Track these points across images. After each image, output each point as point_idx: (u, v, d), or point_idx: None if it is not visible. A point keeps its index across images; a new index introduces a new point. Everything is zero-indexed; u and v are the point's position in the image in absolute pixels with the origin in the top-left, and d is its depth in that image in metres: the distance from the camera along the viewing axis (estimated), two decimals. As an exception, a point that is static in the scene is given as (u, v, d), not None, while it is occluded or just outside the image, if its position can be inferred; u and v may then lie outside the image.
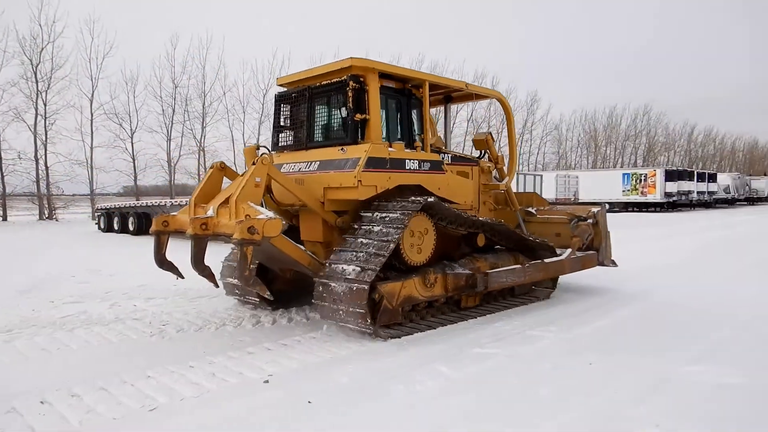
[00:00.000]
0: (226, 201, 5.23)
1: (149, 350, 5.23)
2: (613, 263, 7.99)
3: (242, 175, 5.62)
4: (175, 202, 18.25)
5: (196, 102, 38.83)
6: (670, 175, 38.19)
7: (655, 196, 36.54)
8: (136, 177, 37.83)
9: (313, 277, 5.63)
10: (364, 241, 5.48)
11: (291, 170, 6.37)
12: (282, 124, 6.74)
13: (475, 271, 6.18)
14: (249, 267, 4.66)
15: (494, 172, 7.84)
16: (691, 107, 79.81)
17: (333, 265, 5.46)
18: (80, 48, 36.24)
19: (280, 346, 5.24)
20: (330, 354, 5.00)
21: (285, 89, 6.85)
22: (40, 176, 31.72)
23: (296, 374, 4.48)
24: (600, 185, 37.66)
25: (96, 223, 21.59)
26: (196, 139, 39.05)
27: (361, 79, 5.98)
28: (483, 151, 7.83)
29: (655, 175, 37.87)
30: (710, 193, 41.46)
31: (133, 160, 37.35)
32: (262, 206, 5.44)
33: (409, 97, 6.65)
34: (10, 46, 30.64)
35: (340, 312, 5.28)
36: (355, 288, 5.11)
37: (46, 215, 32.07)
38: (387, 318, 5.42)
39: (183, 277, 5.88)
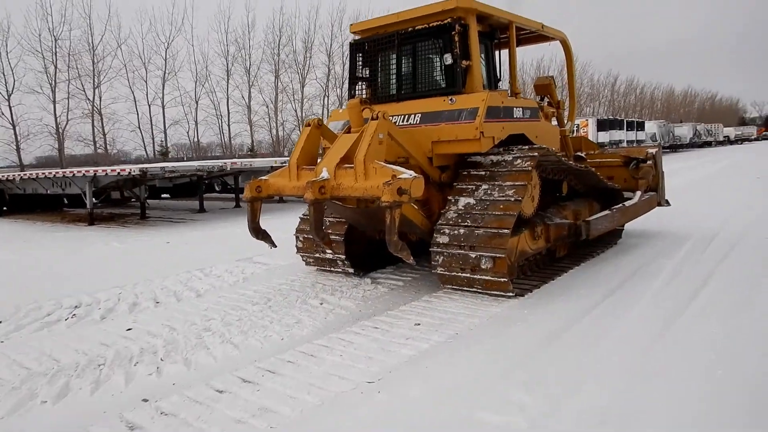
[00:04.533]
0: (342, 161, 4.74)
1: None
2: (667, 203, 8.19)
3: (345, 131, 5.24)
4: (33, 174, 14.47)
5: (85, 57, 33.43)
6: (602, 125, 37.91)
7: (588, 147, 35.82)
8: (18, 146, 32.46)
9: (418, 237, 5.64)
10: (487, 197, 5.12)
11: None
12: (361, 75, 6.31)
13: (564, 219, 6.17)
14: (397, 231, 4.25)
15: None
16: (613, 59, 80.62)
17: (455, 227, 5.08)
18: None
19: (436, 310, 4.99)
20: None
21: (361, 37, 6.37)
22: None
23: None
24: (535, 137, 36.53)
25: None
26: (89, 101, 33.84)
27: (463, 22, 5.55)
28: (543, 96, 7.38)
29: (587, 125, 37.41)
30: (639, 141, 41.52)
31: (14, 126, 31.92)
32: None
33: (491, 40, 6.35)
34: None
35: (471, 273, 4.92)
36: (491, 250, 4.77)
37: None
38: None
39: (276, 246, 5.52)
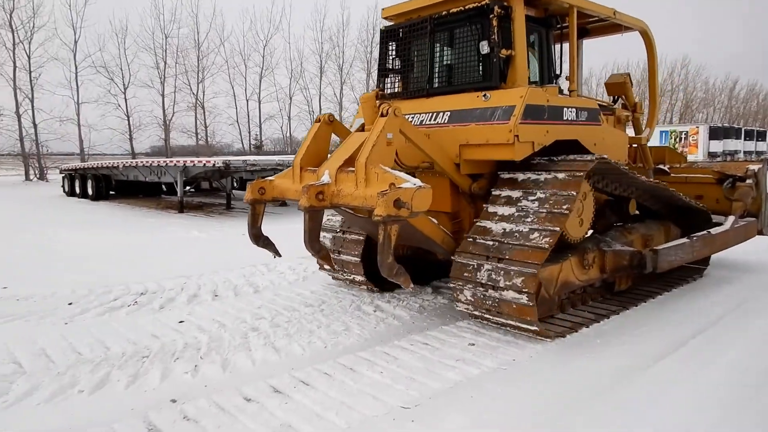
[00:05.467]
0: (346, 164, 4.12)
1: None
2: None
3: (358, 129, 4.62)
4: (133, 162, 15.53)
5: (191, 54, 35.75)
6: (715, 133, 34.55)
7: (697, 157, 32.80)
8: (131, 136, 35.33)
9: (444, 257, 4.74)
10: (522, 212, 4.31)
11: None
12: (391, 66, 5.50)
13: (629, 245, 5.21)
14: (392, 252, 3.62)
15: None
16: (731, 62, 72.89)
17: (481, 243, 4.31)
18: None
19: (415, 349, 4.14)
20: (494, 360, 3.80)
21: (394, 23, 5.56)
22: (25, 134, 29.68)
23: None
24: (635, 143, 33.95)
25: (62, 186, 19.10)
26: (193, 95, 36.13)
27: (506, 4, 4.74)
28: (617, 97, 6.49)
29: (697, 132, 34.31)
30: (758, 153, 37.52)
31: (128, 117, 34.78)
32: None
33: (548, 28, 5.35)
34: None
35: (493, 303, 4.13)
36: (519, 272, 3.96)
37: (37, 175, 30.16)
38: (543, 310, 4.32)
39: (280, 255, 4.89)
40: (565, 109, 4.88)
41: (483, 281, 4.13)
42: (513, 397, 3.21)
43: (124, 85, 33.99)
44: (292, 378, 3.49)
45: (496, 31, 4.63)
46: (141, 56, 34.26)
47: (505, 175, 4.71)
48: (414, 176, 5.13)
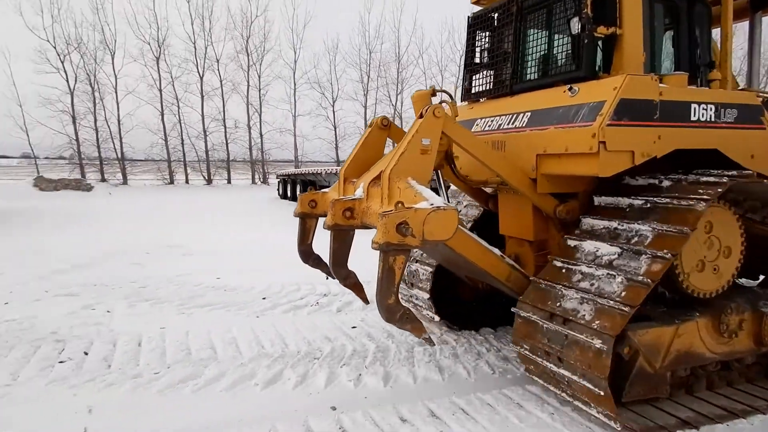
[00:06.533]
0: (380, 176, 3.34)
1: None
2: None
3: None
4: (332, 170, 16.82)
5: (392, 67, 37.99)
6: None
7: None
8: (337, 145, 38.84)
9: (513, 296, 3.58)
10: (609, 250, 3.17)
11: (488, 128, 4.21)
12: (477, 61, 4.56)
13: None
14: (396, 291, 2.86)
15: None
16: None
17: (547, 288, 3.27)
18: (283, 19, 37.87)
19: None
20: None
21: (482, 7, 4.61)
22: (253, 143, 34.70)
23: None
24: None
25: (277, 189, 21.72)
26: (392, 105, 38.27)
27: None
28: None
29: None
30: None
31: (335, 128, 38.32)
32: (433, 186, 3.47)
33: (690, 2, 3.87)
34: (224, 20, 33.21)
35: (558, 371, 3.04)
36: (586, 341, 2.84)
37: (261, 179, 35.09)
38: (642, 390, 3.12)
39: (334, 277, 4.23)
40: (694, 105, 3.51)
41: (545, 350, 3.10)
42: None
43: (332, 98, 37.54)
44: (452, 403, 3.28)
45: (590, 3, 3.49)
46: (348, 71, 37.59)
47: (596, 198, 3.62)
48: (491, 194, 4.38)
